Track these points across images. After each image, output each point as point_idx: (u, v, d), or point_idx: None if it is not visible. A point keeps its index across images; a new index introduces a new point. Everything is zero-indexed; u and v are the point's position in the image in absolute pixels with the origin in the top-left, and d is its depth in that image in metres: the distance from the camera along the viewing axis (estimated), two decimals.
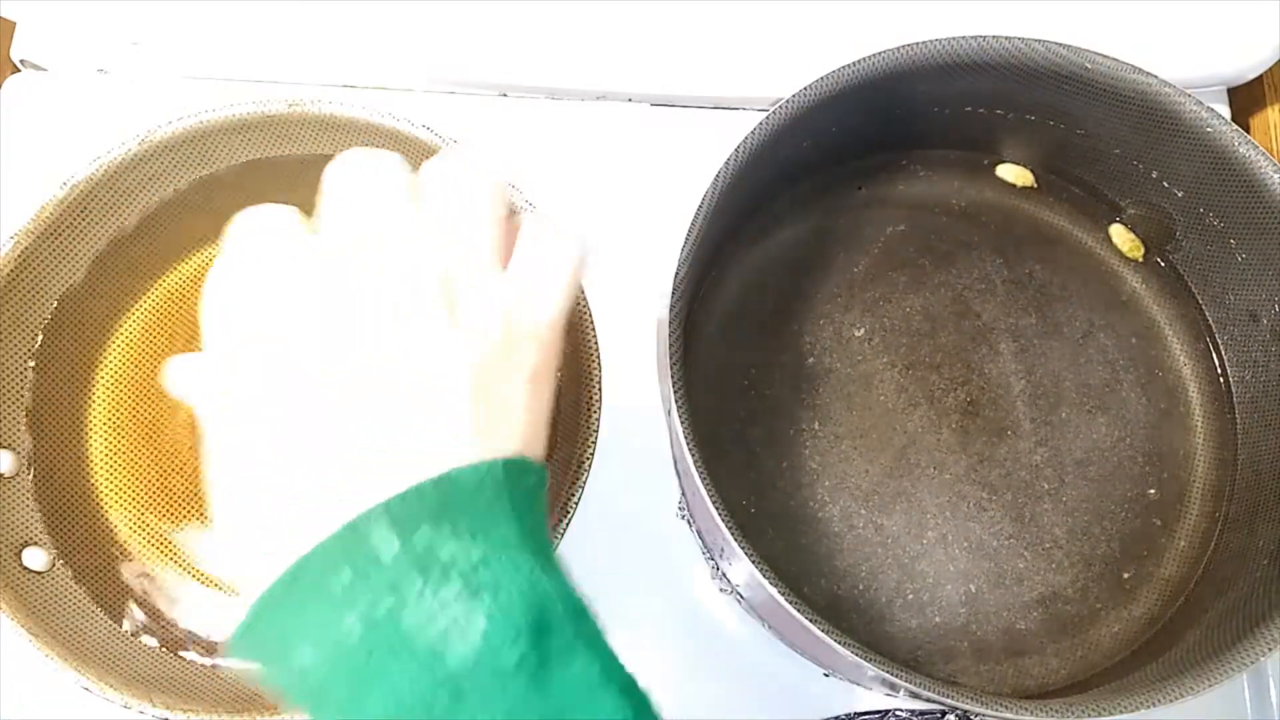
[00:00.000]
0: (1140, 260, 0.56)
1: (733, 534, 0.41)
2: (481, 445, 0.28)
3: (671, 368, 0.44)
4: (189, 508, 0.49)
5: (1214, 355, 0.55)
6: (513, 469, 0.28)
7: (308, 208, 0.30)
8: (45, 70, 0.60)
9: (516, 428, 0.29)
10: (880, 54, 0.48)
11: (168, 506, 0.49)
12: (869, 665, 0.40)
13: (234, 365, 0.29)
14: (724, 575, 0.51)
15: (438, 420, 0.28)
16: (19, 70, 0.60)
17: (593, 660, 0.26)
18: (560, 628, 0.26)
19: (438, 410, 0.28)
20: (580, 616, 0.27)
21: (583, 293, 0.48)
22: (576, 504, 0.45)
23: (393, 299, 0.29)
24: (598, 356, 0.47)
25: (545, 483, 0.30)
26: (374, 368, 0.28)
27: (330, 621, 0.25)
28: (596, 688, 0.26)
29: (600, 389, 0.47)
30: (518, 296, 0.30)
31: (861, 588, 0.50)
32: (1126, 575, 0.51)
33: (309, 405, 0.28)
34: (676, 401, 0.43)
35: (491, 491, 0.27)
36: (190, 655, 0.47)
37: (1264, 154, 0.47)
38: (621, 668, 0.28)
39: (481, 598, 0.25)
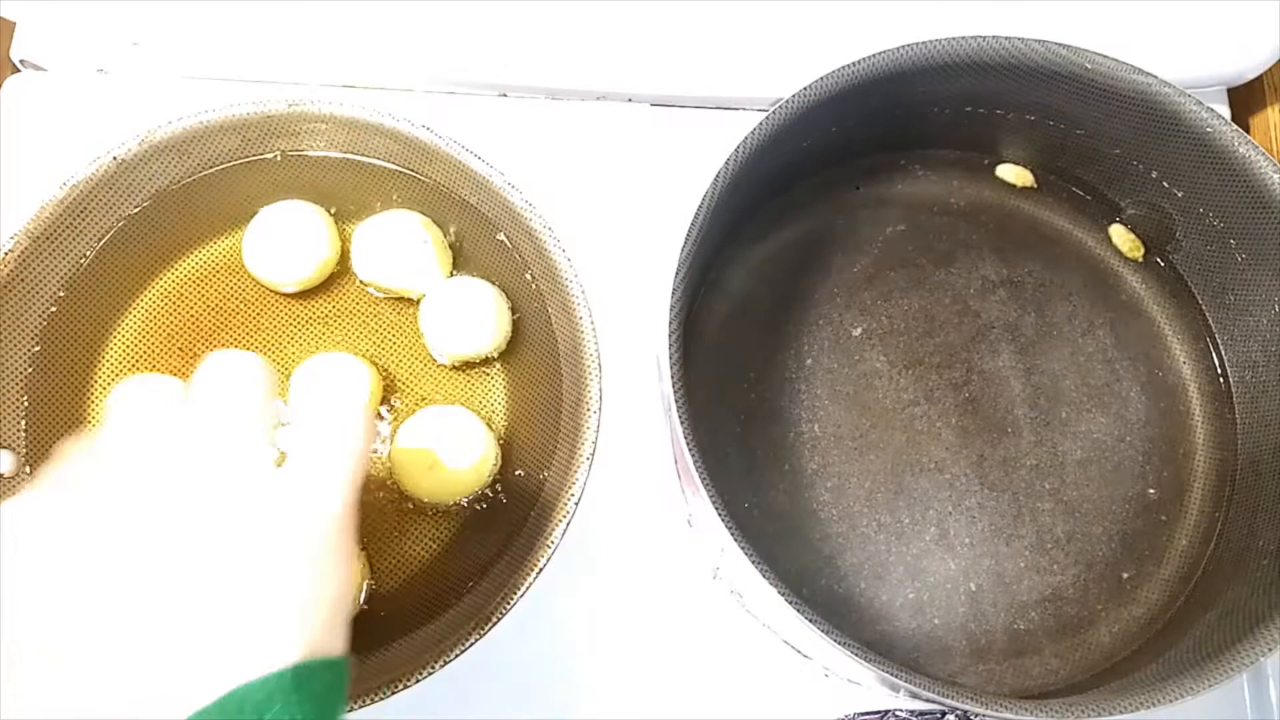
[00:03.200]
0: (1140, 260, 0.56)
1: (733, 534, 0.41)
2: (269, 654, 0.28)
3: (671, 368, 0.44)
4: None
5: (1214, 355, 0.55)
6: (303, 674, 0.28)
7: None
8: (45, 70, 0.60)
9: (306, 629, 0.29)
10: (880, 54, 0.48)
11: None
12: (869, 665, 0.40)
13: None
14: (724, 575, 0.51)
15: (218, 636, 0.28)
16: (19, 70, 0.60)
17: None
18: None
19: (218, 626, 0.28)
20: None
21: (582, 293, 0.48)
22: (576, 504, 0.45)
23: (168, 525, 0.29)
24: (598, 356, 0.47)
25: (345, 678, 0.30)
26: (154, 594, 0.28)
27: None
28: None
29: (600, 389, 0.47)
30: (293, 494, 0.30)
31: (862, 588, 0.50)
32: (1126, 575, 0.51)
33: (95, 644, 0.27)
34: (676, 401, 0.43)
35: (280, 704, 0.27)
36: None
37: (1264, 154, 0.47)
38: None
39: None
